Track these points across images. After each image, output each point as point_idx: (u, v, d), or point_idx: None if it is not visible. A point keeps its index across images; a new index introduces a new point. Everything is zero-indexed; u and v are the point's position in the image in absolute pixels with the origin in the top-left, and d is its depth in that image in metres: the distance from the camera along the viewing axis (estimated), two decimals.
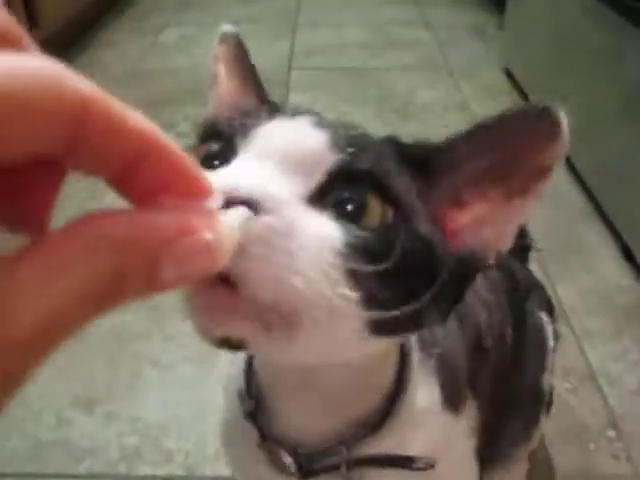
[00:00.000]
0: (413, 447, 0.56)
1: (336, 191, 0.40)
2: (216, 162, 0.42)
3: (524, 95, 2.24)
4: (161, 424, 1.14)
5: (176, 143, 0.26)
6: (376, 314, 0.40)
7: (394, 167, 0.44)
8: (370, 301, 0.39)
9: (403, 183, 0.43)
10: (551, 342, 0.93)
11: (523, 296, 0.93)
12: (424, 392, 0.59)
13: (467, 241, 0.45)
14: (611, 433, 1.13)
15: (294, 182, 0.39)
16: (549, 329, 0.94)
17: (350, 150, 0.41)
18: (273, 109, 0.50)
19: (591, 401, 1.19)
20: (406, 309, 0.41)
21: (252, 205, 0.34)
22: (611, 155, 1.61)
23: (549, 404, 0.95)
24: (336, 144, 0.41)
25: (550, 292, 1.35)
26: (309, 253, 0.36)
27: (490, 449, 0.81)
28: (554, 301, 1.32)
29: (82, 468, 1.08)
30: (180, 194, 0.25)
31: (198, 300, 0.37)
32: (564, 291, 1.40)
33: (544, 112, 0.43)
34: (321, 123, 0.43)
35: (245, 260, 0.34)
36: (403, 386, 0.57)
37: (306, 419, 0.55)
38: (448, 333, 0.66)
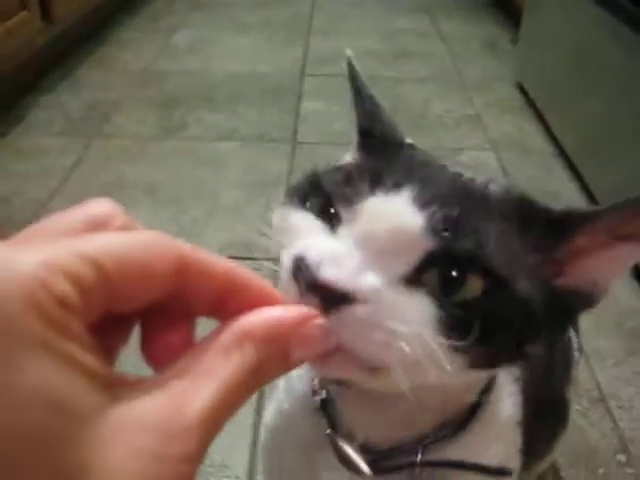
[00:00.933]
0: (488, 455, 0.56)
1: (433, 271, 0.41)
2: (317, 219, 0.45)
3: (536, 110, 2.23)
4: None
5: (256, 274, 0.32)
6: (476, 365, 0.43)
7: (498, 229, 0.44)
8: (470, 361, 0.42)
9: (507, 248, 0.44)
10: (576, 354, 0.93)
11: None
12: (509, 402, 0.59)
13: (576, 282, 0.47)
14: (621, 457, 1.12)
15: (391, 263, 0.40)
16: (574, 340, 0.93)
17: (447, 235, 0.41)
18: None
19: (601, 424, 1.17)
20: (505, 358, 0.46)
21: (355, 298, 0.38)
22: (625, 173, 1.60)
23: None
24: (434, 228, 0.41)
25: None
26: (407, 330, 0.38)
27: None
28: None
29: None
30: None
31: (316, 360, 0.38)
32: None
33: None
34: (422, 199, 0.42)
35: (352, 340, 0.38)
36: (488, 395, 0.56)
37: (380, 431, 0.54)
38: None
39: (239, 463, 1.07)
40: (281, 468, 0.65)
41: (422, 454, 0.54)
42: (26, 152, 1.96)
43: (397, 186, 0.43)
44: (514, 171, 1.92)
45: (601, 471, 1.10)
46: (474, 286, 0.41)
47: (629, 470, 1.10)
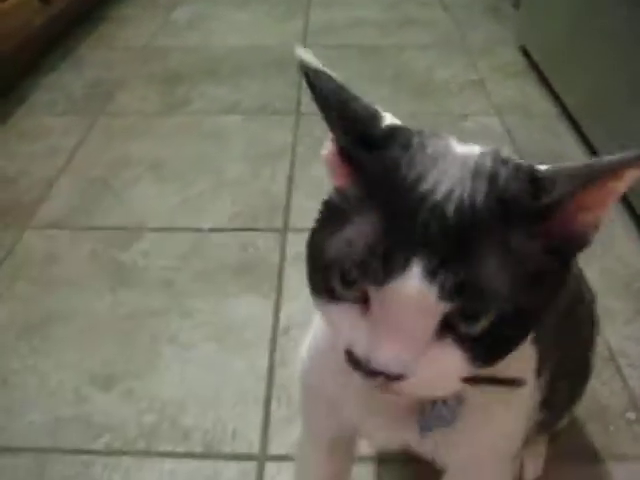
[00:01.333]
0: (508, 369, 0.57)
1: (452, 326, 0.48)
2: (350, 306, 0.50)
3: (540, 73, 2.21)
4: (179, 402, 1.14)
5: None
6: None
7: (502, 262, 0.47)
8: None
9: (508, 273, 0.47)
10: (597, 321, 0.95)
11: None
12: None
13: (573, 230, 0.50)
14: (631, 415, 1.12)
15: (417, 333, 0.48)
16: (596, 310, 0.95)
17: (460, 300, 0.46)
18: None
19: (611, 382, 1.18)
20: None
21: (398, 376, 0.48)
22: (627, 134, 1.59)
23: None
24: (445, 296, 0.46)
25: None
26: (442, 378, 0.50)
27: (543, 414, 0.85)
28: None
29: (100, 444, 1.08)
30: None
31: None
32: (585, 269, 1.38)
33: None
34: (430, 268, 0.46)
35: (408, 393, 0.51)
36: None
37: None
38: None
39: (253, 430, 1.08)
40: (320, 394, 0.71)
41: None
42: (30, 133, 1.96)
43: (407, 261, 0.46)
44: (519, 135, 1.91)
45: (611, 428, 1.10)
46: (488, 319, 0.47)
47: (638, 427, 1.10)
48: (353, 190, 0.51)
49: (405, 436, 0.67)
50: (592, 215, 0.49)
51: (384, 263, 0.46)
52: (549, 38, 2.16)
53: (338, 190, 0.53)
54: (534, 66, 2.28)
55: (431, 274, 0.45)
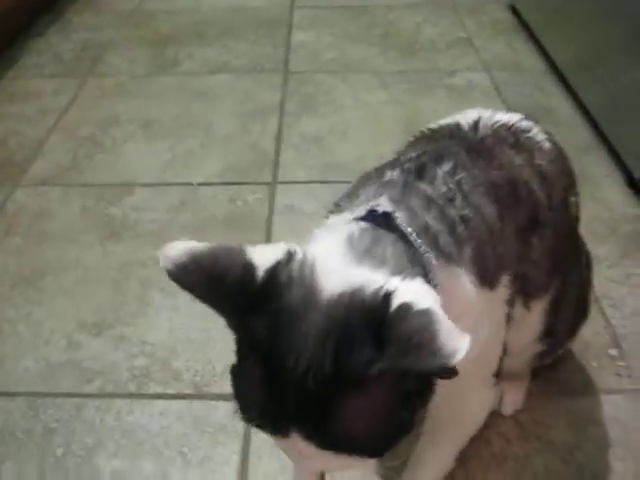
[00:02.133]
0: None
1: None
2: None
3: (529, 30, 2.21)
4: (169, 346, 1.16)
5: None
6: None
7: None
8: None
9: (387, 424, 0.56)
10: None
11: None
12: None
13: None
14: (613, 352, 1.15)
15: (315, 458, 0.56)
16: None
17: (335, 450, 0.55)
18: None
19: (595, 323, 1.20)
20: None
21: None
22: (617, 88, 1.60)
23: None
24: (324, 448, 0.55)
25: None
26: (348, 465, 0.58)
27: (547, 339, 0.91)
28: None
29: (92, 388, 1.10)
30: None
31: None
32: None
33: None
34: (308, 435, 0.54)
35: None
36: None
37: None
38: (482, 226, 0.70)
39: None
40: None
41: None
42: (20, 95, 1.96)
43: (288, 429, 0.54)
44: (507, 90, 1.92)
45: (594, 364, 1.13)
46: None
47: (620, 363, 1.13)
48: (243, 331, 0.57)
49: None
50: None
51: (272, 425, 0.55)
52: None
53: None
54: (523, 24, 2.28)
55: (307, 437, 0.54)
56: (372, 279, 0.54)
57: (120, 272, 1.33)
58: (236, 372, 0.58)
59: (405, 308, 0.51)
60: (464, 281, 0.66)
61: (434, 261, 0.62)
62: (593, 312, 1.21)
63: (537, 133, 0.86)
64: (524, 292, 0.81)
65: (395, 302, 0.51)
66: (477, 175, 0.73)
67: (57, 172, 1.62)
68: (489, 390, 0.79)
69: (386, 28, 2.30)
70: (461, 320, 0.56)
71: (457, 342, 0.48)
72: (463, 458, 0.98)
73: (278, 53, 2.15)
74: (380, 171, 0.73)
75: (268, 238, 1.38)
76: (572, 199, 0.88)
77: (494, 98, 1.87)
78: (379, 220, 0.63)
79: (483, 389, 0.79)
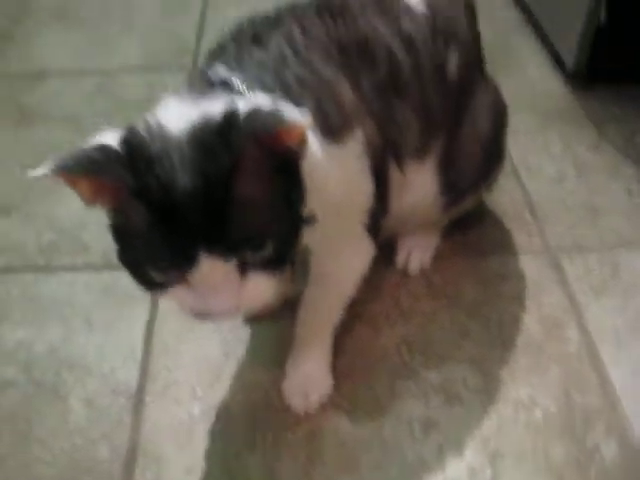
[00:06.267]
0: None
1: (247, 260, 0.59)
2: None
3: None
4: (78, 222, 1.13)
5: None
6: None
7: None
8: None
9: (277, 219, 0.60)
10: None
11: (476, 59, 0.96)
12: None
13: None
14: (527, 216, 1.15)
15: (226, 285, 0.59)
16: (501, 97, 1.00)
17: (238, 253, 0.58)
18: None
19: (511, 191, 1.20)
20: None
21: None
22: None
23: None
24: (230, 256, 0.57)
25: None
26: (261, 295, 0.62)
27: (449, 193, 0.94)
28: None
29: None
30: None
31: None
32: None
33: None
34: (212, 251, 0.56)
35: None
36: None
37: None
38: (320, 84, 0.72)
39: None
40: None
41: None
42: None
43: (195, 255, 0.56)
44: None
45: (508, 227, 1.13)
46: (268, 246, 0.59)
47: (533, 226, 1.14)
48: (127, 206, 0.57)
49: None
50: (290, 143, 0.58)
51: (182, 260, 0.57)
52: None
53: (113, 211, 0.60)
54: None
55: (215, 250, 0.56)
56: (214, 107, 0.58)
57: (32, 156, 1.27)
58: (125, 247, 0.60)
59: (254, 110, 0.56)
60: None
61: None
62: (510, 180, 1.22)
63: None
64: (395, 155, 0.83)
65: (243, 111, 0.55)
66: (317, 36, 0.75)
67: None
68: (362, 242, 0.81)
69: None
70: (311, 175, 0.62)
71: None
72: (371, 314, 1.00)
73: None
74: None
75: None
76: (453, 56, 0.87)
77: None
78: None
79: (355, 241, 0.81)
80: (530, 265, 1.07)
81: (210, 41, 0.82)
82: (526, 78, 1.47)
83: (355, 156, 0.73)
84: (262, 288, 0.61)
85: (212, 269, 0.57)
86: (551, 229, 1.13)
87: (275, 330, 0.98)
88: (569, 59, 1.44)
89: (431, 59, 0.83)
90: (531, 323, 0.98)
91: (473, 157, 0.94)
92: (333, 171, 0.69)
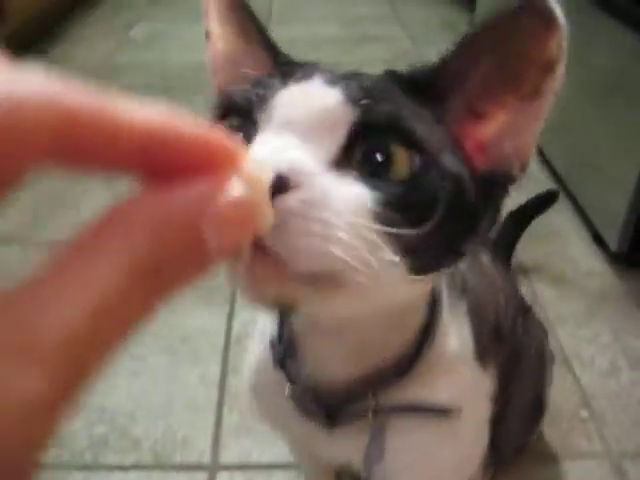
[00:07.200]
0: (440, 393, 0.56)
1: (359, 149, 0.40)
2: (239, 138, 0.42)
3: None
4: (129, 413, 1.12)
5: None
6: (418, 261, 0.41)
7: (409, 105, 0.43)
8: (411, 253, 0.40)
9: (423, 122, 0.43)
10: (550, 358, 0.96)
11: (526, 308, 0.92)
12: (455, 337, 0.58)
13: (490, 156, 0.46)
14: (584, 414, 1.13)
15: (318, 149, 0.38)
16: (548, 346, 0.96)
17: (366, 102, 0.40)
18: (283, 64, 0.50)
19: (564, 384, 1.18)
20: (446, 246, 0.43)
21: (283, 182, 0.34)
22: (581, 143, 1.62)
23: None
24: (352, 98, 0.40)
25: (523, 279, 1.35)
26: (344, 219, 0.36)
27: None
28: (527, 288, 1.33)
29: (47, 458, 1.05)
30: (212, 167, 0.21)
31: (246, 271, 0.35)
32: (536, 277, 1.39)
33: (533, 4, 0.41)
34: (333, 80, 0.42)
35: (284, 236, 0.35)
36: (432, 331, 0.55)
37: (335, 364, 0.55)
38: (478, 284, 0.66)
39: (204, 439, 1.06)
40: (264, 408, 0.67)
41: (373, 400, 0.55)
42: None
43: (308, 76, 0.42)
44: None
45: (565, 427, 1.11)
46: (402, 164, 0.40)
47: (591, 425, 1.11)
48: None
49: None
50: (513, 140, 0.46)
51: (281, 78, 0.43)
52: None
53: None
54: None
55: (334, 82, 0.42)
56: None
57: None
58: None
59: None
60: (465, 322, 0.60)
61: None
62: (563, 373, 1.20)
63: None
64: None
65: None
66: None
67: None
68: None
69: None
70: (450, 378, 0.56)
71: None
72: None
73: None
74: None
75: None
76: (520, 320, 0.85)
77: None
78: None
79: None
80: (593, 471, 1.04)
81: None
82: (569, 258, 1.48)
83: (487, 394, 0.64)
84: (347, 203, 0.37)
85: (314, 94, 0.41)
86: (610, 430, 1.10)
87: None
88: (611, 239, 1.45)
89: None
90: None
91: (521, 414, 0.89)
92: (473, 394, 0.61)
